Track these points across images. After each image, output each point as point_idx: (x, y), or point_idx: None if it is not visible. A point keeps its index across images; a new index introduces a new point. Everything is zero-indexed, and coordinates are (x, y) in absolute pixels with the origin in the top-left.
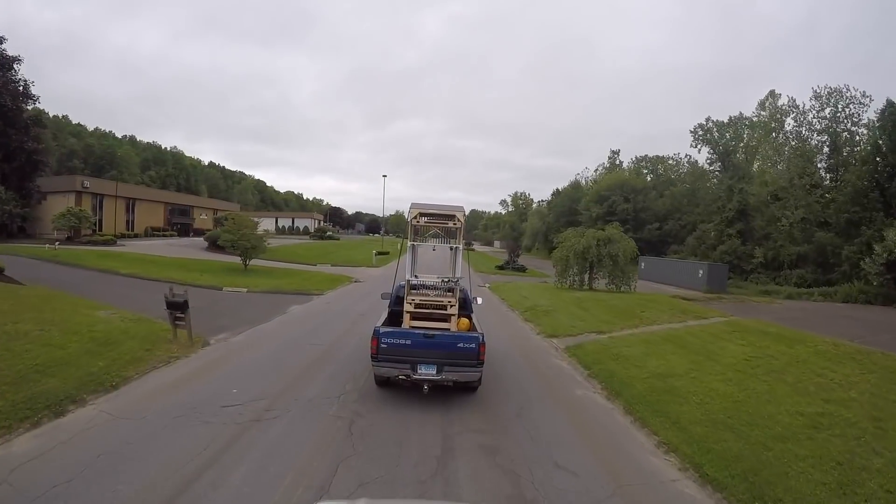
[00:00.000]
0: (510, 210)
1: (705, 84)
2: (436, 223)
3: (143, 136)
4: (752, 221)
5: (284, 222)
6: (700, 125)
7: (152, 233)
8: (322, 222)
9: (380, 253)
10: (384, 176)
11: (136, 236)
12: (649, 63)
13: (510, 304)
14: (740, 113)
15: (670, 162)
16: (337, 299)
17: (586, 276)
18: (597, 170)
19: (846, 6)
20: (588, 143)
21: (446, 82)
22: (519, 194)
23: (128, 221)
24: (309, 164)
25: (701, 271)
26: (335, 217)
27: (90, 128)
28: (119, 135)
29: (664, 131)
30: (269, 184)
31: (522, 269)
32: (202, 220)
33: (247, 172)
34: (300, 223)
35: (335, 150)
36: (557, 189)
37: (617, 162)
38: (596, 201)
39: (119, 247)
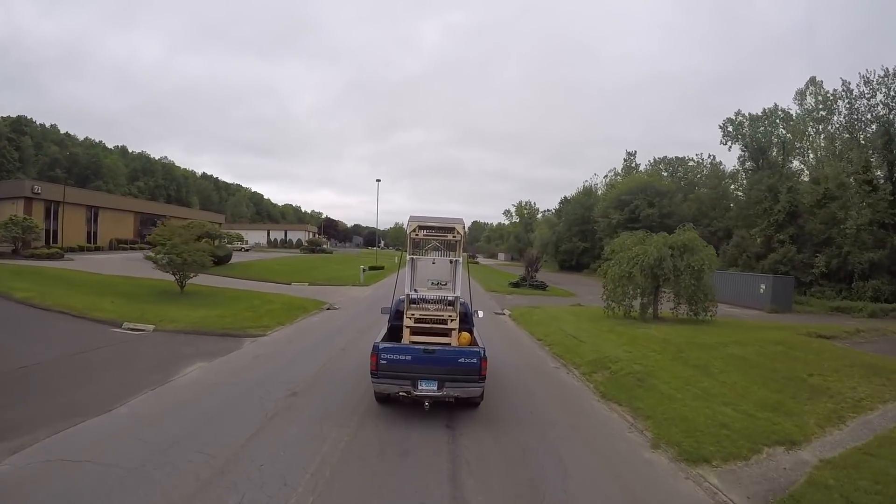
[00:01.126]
0: (514, 220)
1: (706, 89)
2: (435, 236)
3: (144, 149)
4: (807, 225)
5: (277, 235)
6: (729, 119)
7: (118, 245)
8: (316, 235)
9: (372, 268)
10: (378, 181)
11: (98, 249)
12: (649, 69)
13: (557, 354)
14: (775, 104)
15: (691, 163)
16: (280, 346)
17: (640, 300)
18: (606, 176)
19: (844, 7)
20: (588, 152)
21: (445, 92)
22: (524, 203)
23: (89, 232)
24: (309, 178)
25: (763, 286)
26: (330, 229)
27: (80, 138)
28: (110, 145)
29: (665, 138)
30: (267, 197)
31: (543, 287)
32: None
33: (249, 186)
34: (293, 236)
35: (335, 163)
36: (565, 197)
37: (633, 164)
38: (615, 206)
39: (64, 261)
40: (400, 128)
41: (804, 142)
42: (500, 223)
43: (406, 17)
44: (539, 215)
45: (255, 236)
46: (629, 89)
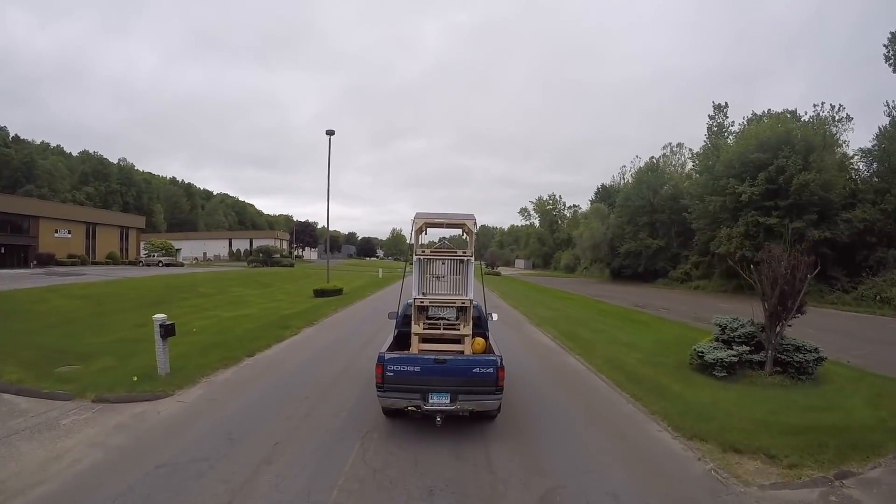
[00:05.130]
0: (531, 222)
1: (714, 87)
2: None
3: (145, 165)
4: None
5: (241, 245)
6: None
7: None
8: (286, 243)
9: (321, 293)
10: (330, 133)
11: None
12: (656, 67)
13: None
14: None
15: (807, 118)
16: None
17: None
18: (654, 157)
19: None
20: (595, 155)
21: (448, 96)
22: (547, 198)
23: None
24: (311, 190)
25: None
26: (305, 235)
27: (36, 142)
28: (76, 152)
29: (674, 138)
30: (258, 207)
31: (811, 371)
32: (59, 239)
33: (253, 202)
34: (260, 244)
35: (337, 174)
36: (603, 185)
37: (724, 123)
38: (739, 173)
39: None
40: (403, 136)
41: None
42: (513, 225)
43: (407, 19)
44: (566, 211)
45: (216, 247)
46: (636, 88)
